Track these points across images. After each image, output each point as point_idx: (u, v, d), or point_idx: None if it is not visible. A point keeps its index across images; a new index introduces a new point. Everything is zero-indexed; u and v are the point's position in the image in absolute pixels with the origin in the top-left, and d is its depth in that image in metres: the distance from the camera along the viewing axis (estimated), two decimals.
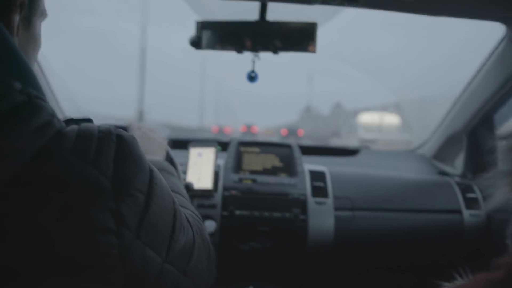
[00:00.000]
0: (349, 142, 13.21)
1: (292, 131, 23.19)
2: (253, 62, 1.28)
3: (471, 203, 1.64)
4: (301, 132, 23.66)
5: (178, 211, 0.57)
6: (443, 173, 1.89)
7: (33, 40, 0.60)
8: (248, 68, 1.29)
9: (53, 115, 0.47)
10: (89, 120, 0.56)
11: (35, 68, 1.40)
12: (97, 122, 0.55)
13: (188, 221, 0.62)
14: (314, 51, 1.22)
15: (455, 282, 0.56)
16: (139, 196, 0.48)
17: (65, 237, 0.42)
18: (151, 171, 0.52)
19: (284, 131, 23.60)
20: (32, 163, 0.43)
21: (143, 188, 0.49)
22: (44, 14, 0.61)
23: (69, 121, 0.54)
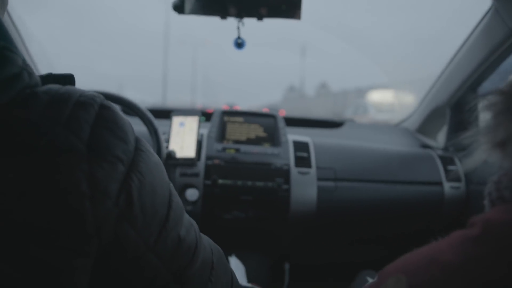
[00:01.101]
0: None
1: (273, 111, 23.23)
2: (238, 28, 1.26)
3: (451, 175, 1.67)
4: (282, 112, 23.73)
5: (176, 203, 0.53)
6: (425, 146, 1.91)
7: None
8: (233, 37, 1.27)
9: (23, 67, 0.44)
10: (71, 78, 0.53)
11: (6, 23, 1.36)
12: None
13: (193, 227, 0.57)
14: (299, 18, 1.19)
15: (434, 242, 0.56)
16: (119, 164, 0.43)
17: (33, 201, 0.38)
18: (138, 149, 0.48)
19: (265, 111, 23.62)
20: None
21: (124, 159, 0.44)
22: None
23: (47, 77, 0.51)
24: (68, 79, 0.53)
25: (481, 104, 0.52)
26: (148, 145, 0.51)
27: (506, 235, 0.44)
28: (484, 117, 0.53)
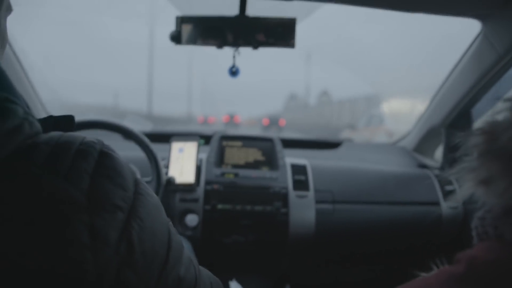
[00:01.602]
0: (374, 136, 10.49)
1: (273, 121, 23.23)
2: (234, 57, 1.29)
3: (449, 195, 1.68)
4: (282, 122, 23.68)
5: (175, 242, 0.53)
6: (423, 165, 1.92)
7: None
8: (230, 62, 1.30)
9: (24, 118, 0.45)
10: (70, 119, 0.54)
11: (10, 66, 1.39)
12: (78, 112, 0.53)
13: (193, 263, 0.57)
14: (293, 46, 1.23)
15: (430, 273, 0.57)
16: (118, 213, 0.44)
17: (35, 252, 0.40)
18: (137, 193, 0.48)
19: (265, 121, 23.66)
20: None
21: (124, 207, 0.45)
22: (9, 9, 0.58)
23: (47, 120, 0.52)
24: (68, 120, 0.54)
25: (466, 142, 0.54)
26: (147, 187, 0.52)
27: (488, 274, 0.46)
28: (467, 143, 0.55)
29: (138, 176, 0.53)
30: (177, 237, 0.55)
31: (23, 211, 0.40)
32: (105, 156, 0.47)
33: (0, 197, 0.40)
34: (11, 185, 0.41)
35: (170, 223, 0.56)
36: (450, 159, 1.79)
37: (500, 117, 0.52)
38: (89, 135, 0.50)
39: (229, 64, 1.30)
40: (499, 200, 0.50)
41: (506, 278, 0.45)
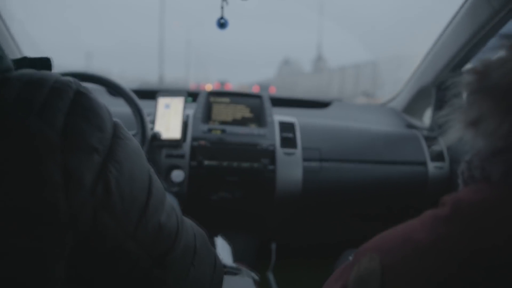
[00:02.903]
0: None
1: (264, 88, 23.22)
2: (222, 8, 1.24)
3: (436, 156, 1.68)
4: (272, 89, 23.67)
5: (156, 189, 0.52)
6: (411, 126, 1.92)
7: None
8: (217, 16, 1.25)
9: None
10: (47, 61, 0.50)
11: None
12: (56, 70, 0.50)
13: (175, 211, 0.56)
14: None
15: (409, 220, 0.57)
16: (95, 155, 0.42)
17: (6, 192, 0.38)
18: (116, 137, 0.46)
19: (256, 88, 23.63)
20: None
21: (100, 149, 0.43)
22: None
23: (22, 61, 0.49)
24: (45, 62, 0.51)
25: (460, 84, 0.53)
26: (127, 132, 0.50)
27: (474, 214, 0.45)
28: (458, 82, 0.53)
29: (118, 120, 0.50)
30: (159, 184, 0.54)
31: None
32: (81, 96, 0.45)
33: None
34: None
35: (152, 170, 0.54)
36: (439, 120, 1.78)
37: (493, 55, 0.50)
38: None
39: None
40: (487, 140, 0.49)
41: (492, 217, 0.44)
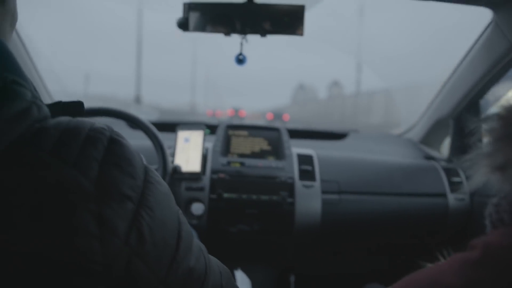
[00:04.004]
0: None
1: (277, 115, 23.32)
2: (241, 44, 1.28)
3: (456, 187, 1.67)
4: (286, 117, 23.77)
5: (185, 232, 0.52)
6: (429, 157, 1.91)
7: (9, 15, 0.54)
8: (236, 50, 1.28)
9: (33, 101, 0.43)
10: (79, 105, 0.52)
11: (17, 49, 1.38)
12: (88, 101, 0.52)
13: (202, 252, 0.57)
14: (302, 34, 1.21)
15: (436, 263, 0.57)
16: (128, 203, 0.43)
17: (41, 241, 0.39)
18: (147, 182, 0.47)
19: (269, 115, 23.80)
20: (3, 158, 0.39)
21: (133, 196, 0.44)
22: None
23: (56, 105, 0.51)
24: (77, 105, 0.53)
25: (482, 128, 0.54)
26: (157, 175, 0.51)
27: (505, 259, 0.45)
28: (482, 128, 0.54)
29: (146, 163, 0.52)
30: (187, 226, 0.54)
31: (30, 198, 0.39)
32: (115, 143, 0.46)
33: (8, 183, 0.39)
34: (18, 171, 0.40)
35: (180, 212, 0.55)
36: (458, 151, 1.77)
37: None
38: (98, 122, 0.49)
39: (236, 52, 1.29)
40: None
41: None
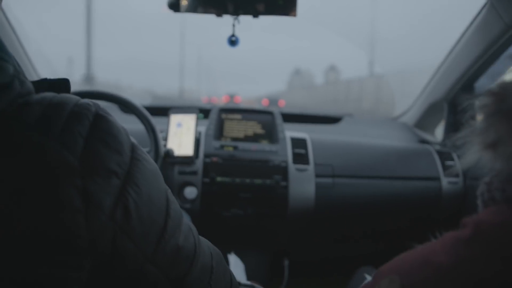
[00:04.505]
0: None
1: (273, 101, 23.27)
2: (233, 26, 1.26)
3: (450, 171, 1.67)
4: (282, 102, 23.71)
5: (174, 210, 0.51)
6: (423, 141, 1.91)
7: None
8: (228, 32, 1.26)
9: (15, 75, 0.43)
10: (66, 83, 0.51)
11: (3, 30, 1.36)
12: (79, 86, 0.51)
13: (192, 232, 0.56)
14: (295, 15, 1.19)
15: (427, 242, 0.56)
16: (114, 178, 0.43)
17: (25, 216, 0.38)
18: (134, 159, 0.46)
19: (265, 101, 23.74)
20: None
21: (119, 172, 0.43)
22: None
23: (42, 82, 0.50)
24: (64, 84, 0.52)
25: (475, 105, 0.53)
26: (144, 152, 0.50)
27: (496, 236, 0.44)
28: (479, 117, 0.53)
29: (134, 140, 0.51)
30: (176, 205, 0.54)
31: (13, 173, 0.38)
32: (100, 119, 0.45)
33: None
34: (0, 146, 0.39)
35: (169, 190, 0.54)
36: (452, 134, 1.77)
37: (509, 78, 0.50)
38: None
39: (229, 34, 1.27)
40: (507, 163, 0.48)
41: None
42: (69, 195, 0.39)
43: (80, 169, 0.40)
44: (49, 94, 0.45)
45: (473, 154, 0.53)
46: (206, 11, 1.23)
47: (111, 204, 0.42)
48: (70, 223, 0.39)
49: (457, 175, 1.66)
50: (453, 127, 1.76)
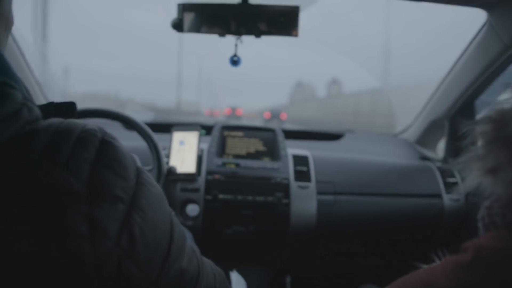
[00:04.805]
0: None
1: (275, 114, 23.30)
2: (236, 46, 1.27)
3: (451, 188, 1.67)
4: (284, 115, 23.74)
5: (178, 233, 0.52)
6: (424, 158, 1.91)
7: (3, 19, 0.54)
8: (231, 51, 1.28)
9: (23, 103, 0.43)
10: (72, 106, 0.52)
11: (10, 51, 1.37)
12: (80, 101, 0.51)
13: (195, 254, 0.57)
14: (296, 35, 1.21)
15: (431, 264, 0.57)
16: (119, 204, 0.43)
17: (32, 241, 0.38)
18: (139, 183, 0.47)
19: (267, 114, 23.77)
20: None
21: (124, 198, 0.44)
22: None
23: (48, 106, 0.51)
24: (70, 106, 0.53)
25: (475, 130, 0.54)
26: (149, 177, 0.50)
27: (496, 262, 0.45)
28: (475, 131, 0.54)
29: (140, 164, 0.51)
30: (180, 228, 0.54)
31: (20, 200, 0.39)
32: (106, 145, 0.46)
33: None
34: (8, 173, 0.40)
35: (173, 213, 0.54)
36: (453, 151, 1.78)
37: (507, 105, 0.51)
38: (90, 124, 0.49)
39: (231, 53, 1.28)
40: (507, 189, 0.49)
41: None
42: (75, 222, 0.40)
43: (86, 195, 0.41)
44: (56, 121, 0.46)
45: (473, 178, 0.54)
46: (209, 31, 1.25)
47: (116, 230, 0.42)
48: (76, 250, 0.40)
49: (459, 193, 1.67)
50: (454, 145, 1.77)
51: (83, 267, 0.40)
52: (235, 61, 1.28)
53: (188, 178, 1.53)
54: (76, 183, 0.41)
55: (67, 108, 0.53)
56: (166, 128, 1.69)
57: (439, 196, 1.66)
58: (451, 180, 1.69)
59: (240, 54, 1.27)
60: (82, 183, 0.41)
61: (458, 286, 0.46)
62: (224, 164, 1.61)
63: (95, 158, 0.44)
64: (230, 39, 1.26)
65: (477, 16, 1.36)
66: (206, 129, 1.78)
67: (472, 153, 0.54)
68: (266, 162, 1.64)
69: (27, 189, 0.39)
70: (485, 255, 0.46)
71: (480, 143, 0.54)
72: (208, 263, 0.62)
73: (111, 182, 0.44)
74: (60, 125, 0.45)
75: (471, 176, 0.54)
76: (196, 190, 1.54)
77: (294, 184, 1.58)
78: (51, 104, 0.52)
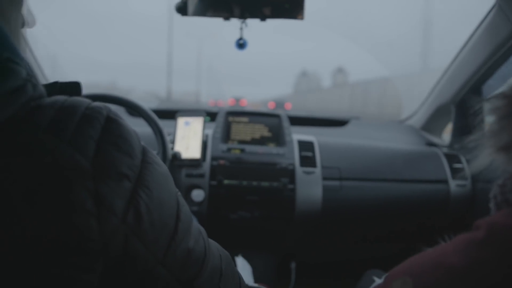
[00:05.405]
0: None
1: (279, 104, 23.23)
2: (241, 29, 1.26)
3: (458, 173, 1.66)
4: (288, 105, 23.66)
5: (184, 213, 0.52)
6: (431, 143, 1.90)
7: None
8: (234, 36, 1.27)
9: (27, 79, 0.43)
10: (77, 86, 0.52)
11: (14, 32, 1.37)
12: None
13: (202, 235, 0.56)
14: (302, 18, 1.19)
15: (439, 244, 0.56)
16: (125, 181, 0.43)
17: (37, 217, 0.38)
18: (145, 162, 0.47)
19: (271, 104, 23.70)
20: None
21: (131, 175, 0.44)
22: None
23: (53, 85, 0.50)
24: (75, 86, 0.52)
25: (486, 107, 0.53)
26: (155, 156, 0.50)
27: (510, 239, 0.44)
28: (489, 119, 0.53)
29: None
30: (186, 208, 0.54)
31: (26, 176, 0.39)
32: (112, 122, 0.46)
33: (3, 161, 0.38)
34: (12, 149, 0.39)
35: (179, 193, 0.54)
36: (460, 137, 1.76)
37: None
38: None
39: (234, 38, 1.27)
40: None
41: None
42: (81, 198, 0.40)
43: (92, 172, 0.41)
44: (61, 97, 0.45)
45: (485, 157, 0.53)
46: (213, 14, 1.24)
47: (123, 207, 0.42)
48: (82, 226, 0.39)
49: (465, 178, 1.66)
50: (460, 130, 1.75)
51: (90, 243, 0.40)
52: (241, 44, 1.27)
53: (193, 163, 1.52)
54: (82, 159, 0.41)
55: (72, 88, 0.52)
56: (170, 114, 1.68)
57: (445, 181, 1.65)
58: (457, 165, 1.68)
59: (247, 41, 1.26)
60: (88, 160, 0.41)
61: (471, 263, 0.45)
62: (229, 149, 1.61)
63: (101, 135, 0.43)
64: (232, 24, 1.25)
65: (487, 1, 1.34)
66: (211, 116, 1.78)
67: (484, 131, 0.53)
68: (271, 148, 1.63)
69: (31, 166, 0.39)
70: (498, 232, 0.45)
71: (491, 120, 0.53)
72: (214, 244, 0.62)
73: (117, 160, 0.43)
74: (65, 102, 0.44)
75: (483, 154, 0.53)
76: (201, 176, 1.54)
77: (299, 170, 1.58)
78: (55, 83, 0.51)
